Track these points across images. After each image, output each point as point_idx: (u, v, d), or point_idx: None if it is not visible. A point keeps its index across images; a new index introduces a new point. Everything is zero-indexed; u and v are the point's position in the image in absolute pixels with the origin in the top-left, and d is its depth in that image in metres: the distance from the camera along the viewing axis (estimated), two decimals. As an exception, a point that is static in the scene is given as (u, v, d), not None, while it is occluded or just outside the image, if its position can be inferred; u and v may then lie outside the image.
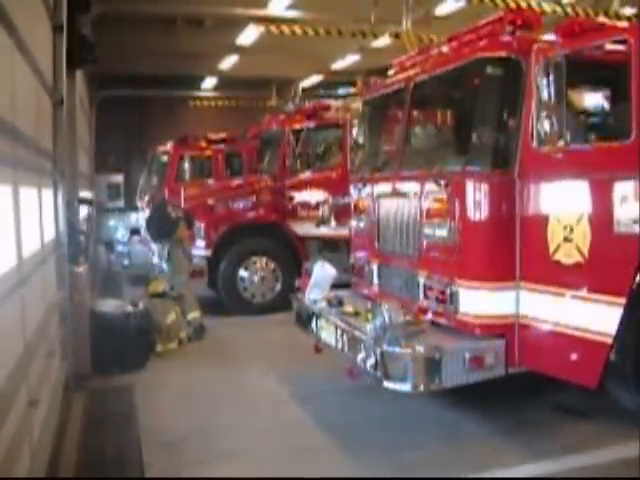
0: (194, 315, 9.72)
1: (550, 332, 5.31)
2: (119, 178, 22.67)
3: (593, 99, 6.03)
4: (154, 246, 12.75)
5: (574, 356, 5.17)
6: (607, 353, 4.93)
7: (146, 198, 16.82)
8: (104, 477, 5.24)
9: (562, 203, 5.21)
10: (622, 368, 5.56)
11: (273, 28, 14.50)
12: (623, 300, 4.76)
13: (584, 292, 5.02)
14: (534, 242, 5.40)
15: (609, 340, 4.87)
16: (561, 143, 5.15)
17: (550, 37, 5.92)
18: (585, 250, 4.97)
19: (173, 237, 9.98)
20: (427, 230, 6.05)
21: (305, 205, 11.60)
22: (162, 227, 10.07)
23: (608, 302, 4.84)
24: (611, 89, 6.05)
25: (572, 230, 5.07)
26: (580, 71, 5.31)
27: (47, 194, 6.24)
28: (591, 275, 5.00)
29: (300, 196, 11.65)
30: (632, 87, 4.90)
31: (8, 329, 3.77)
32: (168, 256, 10.01)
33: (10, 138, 4.09)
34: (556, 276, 5.22)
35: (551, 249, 5.22)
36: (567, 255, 5.10)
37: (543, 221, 5.32)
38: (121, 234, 19.20)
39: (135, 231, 18.14)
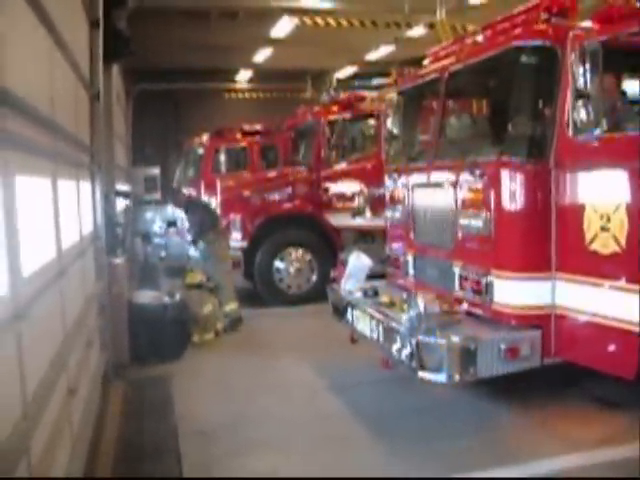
0: (232, 306, 9.78)
1: (587, 323, 5.24)
2: (156, 171, 22.77)
3: (631, 86, 5.96)
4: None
5: (612, 347, 5.08)
6: None
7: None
8: (133, 477, 5.28)
9: (599, 192, 5.11)
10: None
11: (307, 20, 14.54)
12: None
13: (622, 282, 4.92)
14: (570, 232, 5.32)
15: None
16: (598, 132, 5.07)
17: (587, 24, 5.86)
18: (622, 240, 4.88)
19: (217, 228, 10.12)
20: (462, 220, 6.02)
21: (340, 196, 11.61)
22: (205, 219, 10.15)
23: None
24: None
25: (609, 219, 4.96)
26: (617, 58, 5.23)
27: (85, 187, 6.33)
28: (629, 265, 4.89)
29: (335, 187, 11.66)
30: None
31: (48, 319, 3.85)
32: (209, 247, 10.04)
33: (49, 131, 4.16)
34: (593, 266, 5.13)
35: (587, 239, 5.13)
36: (604, 245, 5.01)
37: (579, 211, 5.22)
38: (158, 226, 19.30)
39: (172, 223, 18.25)
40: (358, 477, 5.05)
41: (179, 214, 15.99)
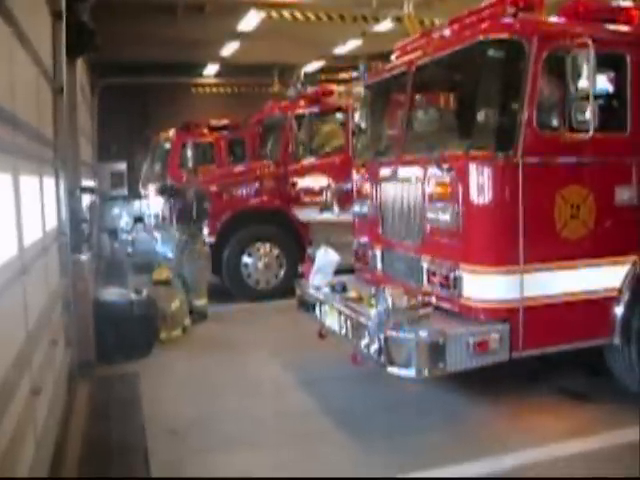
0: (203, 302, 9.88)
1: (562, 304, 5.52)
2: (122, 166, 22.59)
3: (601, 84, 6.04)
4: (163, 233, 12.81)
5: (588, 317, 5.63)
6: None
7: (150, 186, 16.84)
8: (106, 477, 5.21)
9: (569, 184, 5.51)
10: (627, 352, 5.61)
11: (274, 13, 14.46)
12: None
13: (594, 259, 5.63)
14: (540, 223, 5.47)
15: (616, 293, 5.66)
16: (565, 129, 5.44)
17: (553, 19, 5.90)
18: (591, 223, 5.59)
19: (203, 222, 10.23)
20: (430, 214, 6.01)
21: (308, 191, 11.58)
22: (200, 211, 10.30)
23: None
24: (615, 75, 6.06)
25: (579, 208, 5.51)
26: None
27: (49, 182, 6.22)
28: (599, 243, 5.64)
29: (303, 182, 11.63)
30: (628, 84, 5.74)
31: (9, 317, 3.76)
32: (188, 242, 10.16)
33: (10, 126, 4.06)
34: (566, 251, 5.55)
35: (558, 226, 5.48)
36: (574, 230, 5.54)
37: (550, 202, 5.47)
38: (125, 222, 19.15)
39: (139, 219, 18.13)
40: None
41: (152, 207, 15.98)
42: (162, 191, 11.59)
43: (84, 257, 7.84)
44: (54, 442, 5.13)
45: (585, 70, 5.26)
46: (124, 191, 22.00)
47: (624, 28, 5.96)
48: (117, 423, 6.10)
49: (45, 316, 5.16)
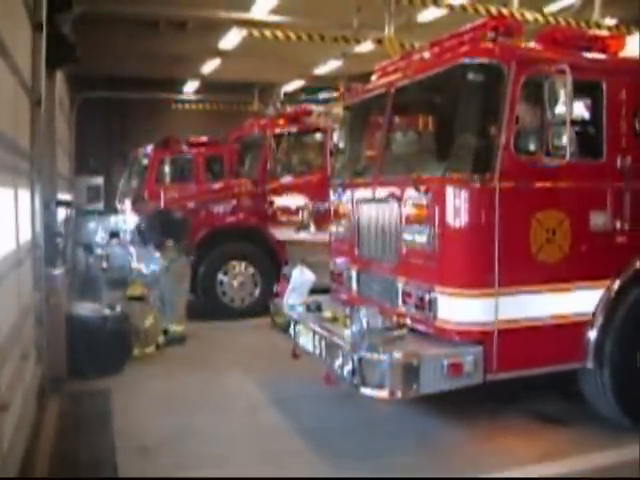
0: (177, 328, 9.63)
1: (537, 327, 5.51)
2: (99, 180, 22.52)
3: (577, 110, 6.11)
4: (135, 252, 12.65)
5: (562, 341, 5.62)
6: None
7: (127, 202, 16.74)
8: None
9: (545, 208, 5.53)
10: (600, 376, 5.62)
11: (255, 32, 14.52)
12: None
13: (569, 284, 5.62)
14: (516, 246, 5.48)
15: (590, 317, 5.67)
16: (542, 153, 5.50)
17: (532, 45, 5.97)
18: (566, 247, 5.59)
19: (181, 242, 10.02)
20: (406, 236, 6.01)
21: (285, 210, 11.59)
22: (169, 228, 10.09)
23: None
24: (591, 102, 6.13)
25: (554, 232, 5.50)
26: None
27: (24, 195, 6.15)
28: (574, 267, 5.64)
29: (280, 201, 11.64)
30: (604, 111, 5.82)
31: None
32: (168, 265, 9.89)
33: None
34: (542, 275, 5.54)
35: (534, 250, 5.47)
36: (549, 254, 5.52)
37: (526, 226, 5.48)
38: (100, 237, 19.01)
39: (114, 234, 17.99)
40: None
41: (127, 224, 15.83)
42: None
43: (58, 271, 7.76)
44: (21, 459, 5.04)
45: (562, 96, 5.30)
46: (100, 205, 21.89)
47: (600, 56, 6.05)
48: (87, 440, 6.01)
49: (16, 330, 5.09)
